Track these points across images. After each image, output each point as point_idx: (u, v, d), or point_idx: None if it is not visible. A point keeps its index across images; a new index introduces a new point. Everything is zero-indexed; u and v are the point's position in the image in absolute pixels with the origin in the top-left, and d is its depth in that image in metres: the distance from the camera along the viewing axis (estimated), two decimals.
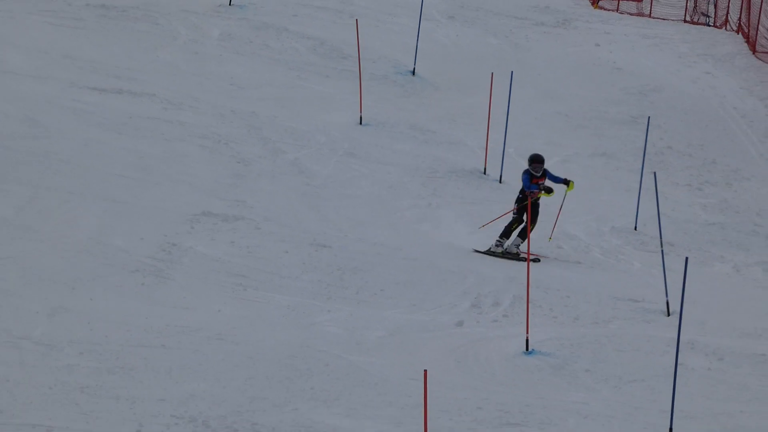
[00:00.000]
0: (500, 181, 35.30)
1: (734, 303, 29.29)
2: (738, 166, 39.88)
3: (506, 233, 31.52)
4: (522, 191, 31.33)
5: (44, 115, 36.39)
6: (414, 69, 45.61)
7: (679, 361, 22.17)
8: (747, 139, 42.32)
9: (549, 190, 31.13)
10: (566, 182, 31.36)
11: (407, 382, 22.42)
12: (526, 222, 30.07)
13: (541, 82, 43.95)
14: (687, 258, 22.95)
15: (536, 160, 31.10)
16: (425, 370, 16.61)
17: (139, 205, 31.69)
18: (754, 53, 51.48)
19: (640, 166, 35.08)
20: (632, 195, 34.21)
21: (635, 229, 33.70)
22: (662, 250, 29.46)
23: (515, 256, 31.27)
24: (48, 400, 23.05)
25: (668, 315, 27.21)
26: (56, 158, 33.73)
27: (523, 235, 30.53)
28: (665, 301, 27.69)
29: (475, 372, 20.83)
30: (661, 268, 28.19)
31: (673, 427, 21.20)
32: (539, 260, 30.82)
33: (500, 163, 35.47)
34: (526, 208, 29.85)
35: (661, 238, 29.95)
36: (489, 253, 31.48)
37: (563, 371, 24.73)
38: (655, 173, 32.11)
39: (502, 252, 31.42)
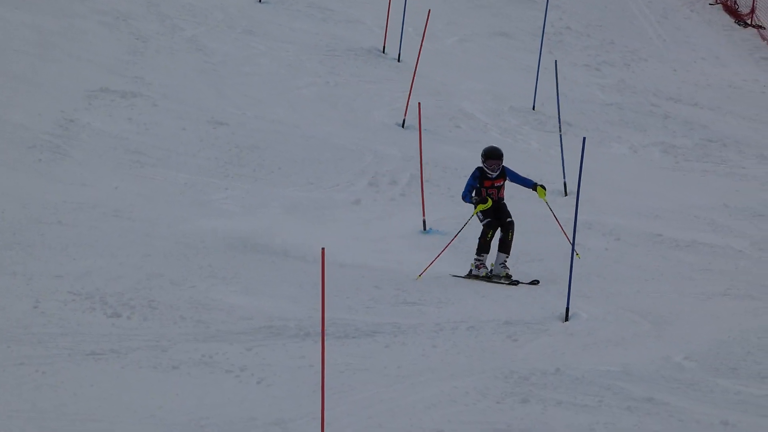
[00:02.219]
0: (398, 60, 35.14)
1: (631, 183, 29.53)
2: (636, 47, 40.09)
3: (483, 248, 23.49)
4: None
5: None
6: None
7: (576, 242, 22.37)
8: (645, 19, 42.51)
9: (484, 201, 22.94)
10: (535, 187, 23.85)
11: (305, 259, 22.48)
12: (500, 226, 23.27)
13: None
14: (585, 138, 23.08)
15: (491, 155, 23.07)
16: (322, 248, 16.59)
17: (36, 80, 31.44)
18: None
19: (539, 46, 35.16)
20: (530, 75, 34.30)
21: (533, 108, 33.78)
22: (560, 134, 29.66)
23: (508, 280, 23.45)
24: None
25: (565, 195, 27.43)
26: None
27: (505, 248, 23.29)
28: (563, 182, 27.86)
29: (372, 250, 20.90)
30: (559, 149, 28.36)
31: (570, 306, 21.46)
32: (538, 282, 23.52)
33: (398, 42, 35.36)
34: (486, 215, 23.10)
35: (560, 122, 30.16)
36: (471, 277, 23.72)
37: (458, 250, 24.89)
38: (556, 62, 32.29)
39: (486, 275, 23.41)
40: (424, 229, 25.57)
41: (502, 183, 23.05)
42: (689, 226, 26.65)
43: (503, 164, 23.06)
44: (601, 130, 32.94)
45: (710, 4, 43.52)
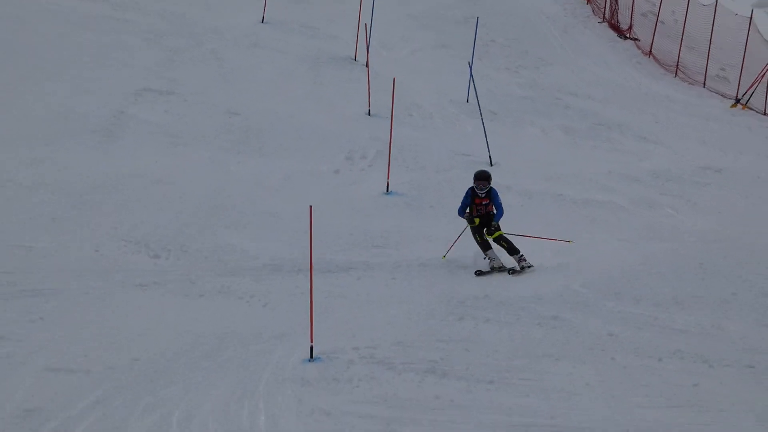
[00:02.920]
0: (366, 65, 34.81)
1: (540, 156, 29.41)
2: (543, 55, 39.78)
3: (484, 247, 21.37)
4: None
5: (29, 14, 35.72)
6: None
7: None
8: (551, 34, 42.14)
9: (471, 222, 21.26)
10: (494, 226, 21.34)
11: (297, 214, 22.30)
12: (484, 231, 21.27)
13: None
14: (470, 67, 22.87)
15: (480, 177, 21.14)
16: (310, 206, 16.48)
17: (96, 81, 31.14)
18: None
19: (471, 55, 34.94)
20: (464, 77, 33.99)
21: (467, 101, 33.52)
22: (482, 120, 29.44)
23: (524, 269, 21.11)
24: (30, 226, 22.82)
25: (491, 165, 27.26)
26: (33, 46, 33.11)
27: (513, 251, 21.17)
28: (488, 155, 27.74)
29: (348, 207, 20.88)
30: (490, 132, 28.22)
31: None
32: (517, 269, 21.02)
33: (366, 52, 35.06)
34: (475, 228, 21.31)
35: (480, 110, 29.90)
36: (495, 270, 21.16)
37: (413, 207, 24.79)
38: (470, 64, 32.01)
39: (501, 266, 21.03)
40: (387, 191, 25.43)
41: (489, 201, 21.08)
42: (583, 187, 26.51)
43: (492, 186, 21.09)
44: (518, 117, 32.67)
45: (599, 23, 43.14)
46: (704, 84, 38.06)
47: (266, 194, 25.58)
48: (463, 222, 21.38)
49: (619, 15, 43.35)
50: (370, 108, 31.39)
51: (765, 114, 35.51)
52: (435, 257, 21.85)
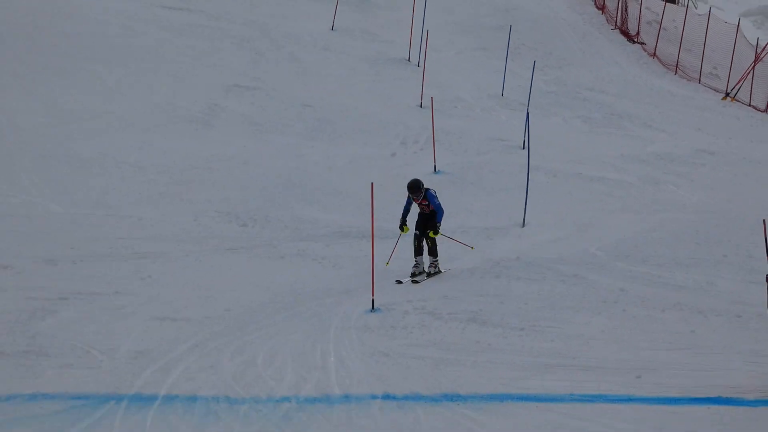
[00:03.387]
0: (418, 65, 34.56)
1: (563, 141, 29.22)
2: (565, 56, 39.41)
3: (416, 252, 18.91)
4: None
5: (139, 23, 35.74)
6: None
7: (529, 177, 22.11)
8: (571, 39, 41.73)
9: (401, 229, 18.83)
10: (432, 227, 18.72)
11: (360, 190, 22.25)
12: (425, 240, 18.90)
13: (442, 3, 43.09)
14: (528, 113, 22.73)
15: (411, 189, 18.59)
16: (371, 183, 16.46)
17: (192, 79, 31.14)
18: None
19: (505, 56, 34.66)
20: (500, 74, 33.72)
21: (502, 95, 33.26)
22: (527, 112, 29.23)
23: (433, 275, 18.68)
24: (140, 200, 22.98)
25: (523, 148, 27.05)
26: (142, 49, 33.17)
27: (432, 252, 18.97)
28: (522, 140, 27.52)
29: (402, 184, 20.69)
30: (522, 121, 28.01)
31: (526, 217, 21.76)
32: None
33: (419, 53, 34.80)
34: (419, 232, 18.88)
35: (528, 103, 29.72)
36: (414, 275, 18.65)
37: (456, 183, 24.68)
38: (505, 67, 31.77)
39: (421, 272, 18.71)
40: (435, 170, 25.32)
41: (427, 203, 18.49)
42: (599, 167, 26.28)
43: (428, 188, 18.58)
44: (545, 109, 32.33)
45: (611, 29, 42.69)
46: (699, 80, 37.88)
47: (334, 174, 25.49)
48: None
49: (628, 23, 42.91)
50: (422, 101, 31.15)
51: (750, 105, 35.48)
52: (475, 226, 21.83)
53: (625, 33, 42.78)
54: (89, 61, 31.63)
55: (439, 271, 18.69)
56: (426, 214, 18.72)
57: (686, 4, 46.71)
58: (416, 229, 18.78)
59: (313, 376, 13.39)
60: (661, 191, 24.87)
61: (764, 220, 12.74)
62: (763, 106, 35.51)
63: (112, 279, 17.84)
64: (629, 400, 12.53)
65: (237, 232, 21.19)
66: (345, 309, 16.28)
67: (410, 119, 30.08)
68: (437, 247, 18.77)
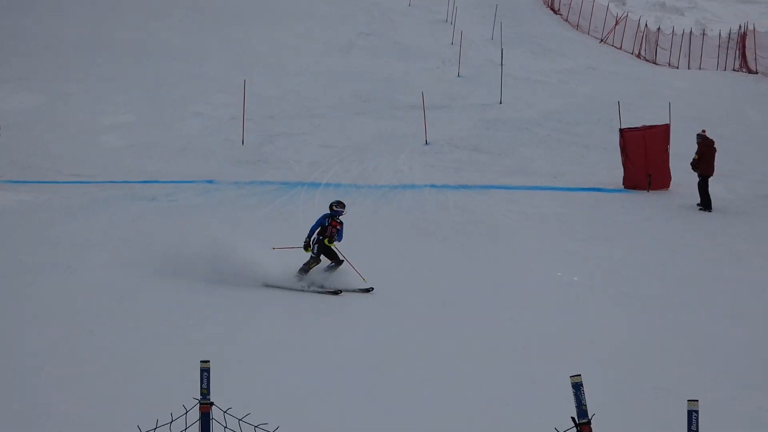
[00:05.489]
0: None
1: None
2: None
3: (304, 271, 17.39)
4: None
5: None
6: None
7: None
8: None
9: (306, 246, 17.40)
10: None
11: None
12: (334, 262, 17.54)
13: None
14: None
15: (339, 204, 17.63)
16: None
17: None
18: None
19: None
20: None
21: None
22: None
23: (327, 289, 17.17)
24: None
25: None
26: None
27: (333, 270, 17.55)
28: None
29: None
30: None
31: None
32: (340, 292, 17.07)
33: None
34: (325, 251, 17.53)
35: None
36: (293, 287, 17.26)
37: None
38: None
39: (302, 288, 17.25)
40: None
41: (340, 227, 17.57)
42: None
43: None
44: None
45: None
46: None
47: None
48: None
49: None
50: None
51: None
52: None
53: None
54: None
55: (338, 292, 17.17)
56: (329, 235, 17.54)
57: None
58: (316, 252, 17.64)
59: (396, 175, 26.51)
60: None
61: None
62: None
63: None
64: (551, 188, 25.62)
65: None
66: (411, 143, 29.32)
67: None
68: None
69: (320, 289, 17.29)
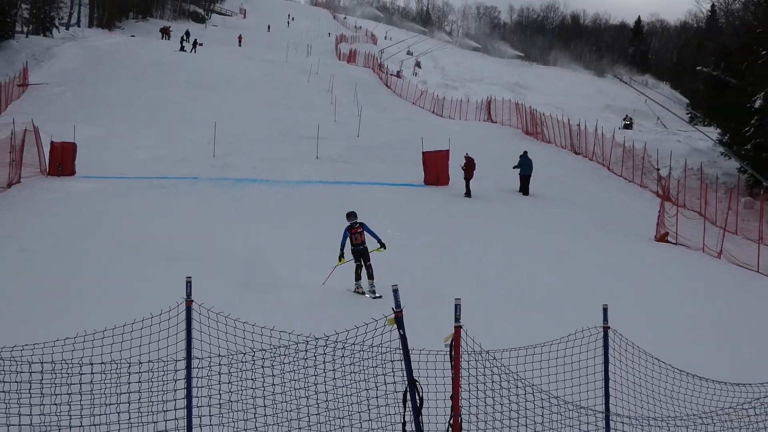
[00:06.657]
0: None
1: None
2: None
3: (357, 277, 20.24)
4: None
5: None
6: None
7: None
8: None
9: (339, 259, 19.81)
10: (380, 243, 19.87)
11: None
12: (363, 264, 20.02)
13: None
14: None
15: (351, 214, 20.06)
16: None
17: None
18: None
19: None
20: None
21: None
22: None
23: (373, 295, 19.90)
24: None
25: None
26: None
27: (370, 276, 20.07)
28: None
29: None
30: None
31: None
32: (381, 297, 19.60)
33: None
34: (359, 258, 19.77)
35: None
36: (356, 292, 20.12)
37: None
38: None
39: (362, 292, 20.18)
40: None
41: (362, 230, 19.80)
42: None
43: (359, 221, 20.02)
44: None
45: None
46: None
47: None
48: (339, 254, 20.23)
49: None
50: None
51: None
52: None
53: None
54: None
55: (379, 296, 19.21)
56: (360, 242, 19.58)
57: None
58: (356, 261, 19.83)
59: (300, 175, 38.33)
60: None
61: None
62: None
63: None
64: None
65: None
66: (308, 158, 42.43)
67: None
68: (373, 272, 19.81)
69: (372, 295, 19.77)
